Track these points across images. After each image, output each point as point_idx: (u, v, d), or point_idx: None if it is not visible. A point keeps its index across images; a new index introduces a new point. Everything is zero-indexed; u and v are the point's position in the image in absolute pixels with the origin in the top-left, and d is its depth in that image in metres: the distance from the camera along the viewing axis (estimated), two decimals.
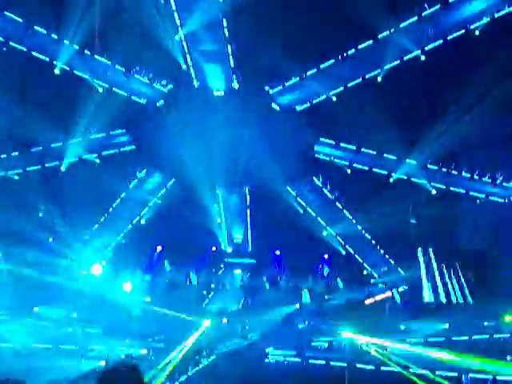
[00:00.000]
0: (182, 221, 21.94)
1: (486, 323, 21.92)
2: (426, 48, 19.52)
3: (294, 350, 22.28)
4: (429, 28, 19.30)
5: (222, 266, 23.75)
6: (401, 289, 22.87)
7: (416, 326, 22.04)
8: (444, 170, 21.79)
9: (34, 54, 20.16)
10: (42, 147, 21.62)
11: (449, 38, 19.42)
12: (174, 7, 19.71)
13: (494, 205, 21.85)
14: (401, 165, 21.70)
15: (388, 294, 22.77)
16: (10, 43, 19.98)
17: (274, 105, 21.39)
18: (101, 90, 20.76)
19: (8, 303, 21.61)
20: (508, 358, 21.23)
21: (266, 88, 21.20)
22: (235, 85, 21.17)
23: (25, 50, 20.08)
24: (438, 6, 19.00)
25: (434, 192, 21.76)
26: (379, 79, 20.28)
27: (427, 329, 22.00)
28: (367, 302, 22.85)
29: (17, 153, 21.68)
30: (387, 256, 23.07)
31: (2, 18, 19.64)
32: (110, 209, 22.76)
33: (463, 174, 21.71)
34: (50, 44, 20.15)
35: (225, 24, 19.88)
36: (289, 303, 23.05)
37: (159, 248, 22.91)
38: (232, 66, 20.69)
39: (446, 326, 22.06)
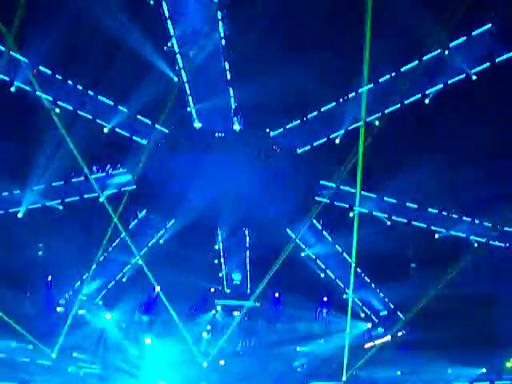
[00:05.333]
0: (180, 261, 20.70)
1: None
2: (427, 92, 18.47)
3: None
4: (430, 72, 18.25)
5: (220, 307, 22.43)
6: (400, 333, 21.39)
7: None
8: (444, 213, 20.57)
9: (38, 93, 19.18)
10: (44, 185, 20.46)
11: (449, 82, 18.41)
12: (176, 49, 18.79)
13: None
14: (401, 208, 20.47)
15: (388, 338, 21.32)
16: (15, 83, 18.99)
17: (274, 147, 20.25)
18: (106, 130, 19.73)
19: None
20: None
21: (267, 130, 20.12)
22: (236, 126, 20.11)
23: (29, 89, 19.10)
24: (438, 51, 18.00)
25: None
26: (377, 123, 19.17)
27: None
28: (366, 346, 21.41)
29: (19, 191, 20.58)
30: (387, 300, 21.73)
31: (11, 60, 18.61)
32: (110, 248, 21.49)
33: (464, 218, 20.47)
34: (54, 84, 19.20)
35: (226, 66, 18.94)
36: (287, 345, 21.63)
37: (157, 288, 21.58)
38: (233, 107, 19.69)
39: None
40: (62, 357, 21.26)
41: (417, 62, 18.29)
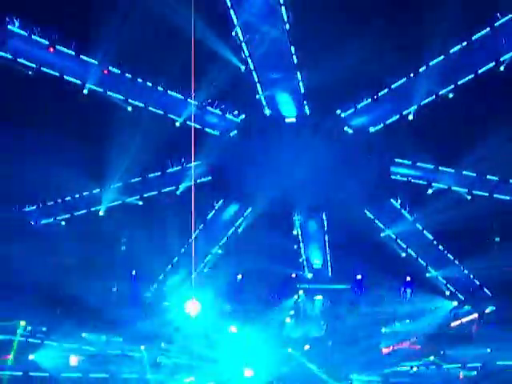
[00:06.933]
0: (260, 249, 20.70)
1: None
2: (502, 58, 17.68)
3: (379, 375, 20.44)
4: (503, 38, 17.46)
5: (302, 292, 22.29)
6: (488, 310, 20.73)
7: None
8: None
9: (109, 93, 19.49)
10: (122, 183, 20.83)
11: None
12: (241, 38, 18.65)
13: None
14: (482, 181, 19.80)
15: (475, 315, 20.71)
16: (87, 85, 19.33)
17: (346, 128, 19.91)
18: (178, 124, 19.86)
19: None
20: None
21: (338, 111, 19.74)
22: (306, 110, 19.85)
23: (101, 90, 19.41)
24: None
25: None
26: (450, 96, 18.52)
27: None
28: (453, 324, 20.86)
29: (98, 190, 21.04)
30: (472, 276, 21.09)
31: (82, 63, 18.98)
32: (190, 240, 21.70)
33: None
34: (122, 82, 19.44)
35: (293, 50, 18.69)
36: (372, 327, 21.34)
37: (239, 276, 21.67)
38: (302, 91, 19.43)
39: None
40: (151, 348, 21.71)
41: (488, 28, 17.55)
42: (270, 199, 20.55)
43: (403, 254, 21.38)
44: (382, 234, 21.24)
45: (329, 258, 22.01)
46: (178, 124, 19.90)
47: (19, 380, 20.29)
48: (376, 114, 19.57)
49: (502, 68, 17.83)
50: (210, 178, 21.01)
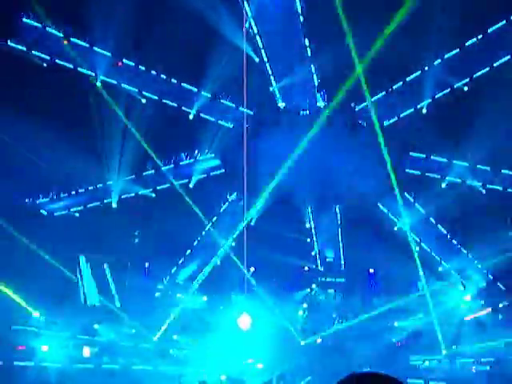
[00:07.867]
0: (273, 241, 20.63)
1: None
2: None
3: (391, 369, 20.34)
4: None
5: (315, 285, 22.28)
6: (501, 305, 20.60)
7: None
8: None
9: (123, 85, 19.51)
10: (135, 175, 20.85)
11: None
12: (256, 31, 18.63)
13: None
14: (496, 175, 19.65)
15: (488, 309, 20.59)
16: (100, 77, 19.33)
17: (360, 121, 19.82)
18: (191, 116, 19.85)
19: None
20: None
21: (352, 105, 19.71)
22: (320, 103, 19.81)
23: (115, 82, 19.42)
24: None
25: None
26: (465, 89, 18.42)
27: None
28: (466, 318, 20.75)
29: (111, 182, 21.07)
30: (485, 271, 20.96)
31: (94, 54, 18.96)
32: (203, 232, 21.72)
33: None
34: (138, 75, 19.45)
35: (307, 43, 18.63)
36: (385, 321, 21.25)
37: (252, 269, 21.63)
38: (316, 84, 19.38)
39: None
40: (163, 340, 21.71)
41: (504, 21, 17.43)
42: (283, 192, 20.53)
43: (416, 248, 21.31)
44: (395, 228, 21.22)
45: (342, 251, 21.96)
46: (191, 116, 19.96)
47: (32, 370, 20.35)
48: (390, 107, 19.55)
49: None
50: (223, 170, 21.10)
